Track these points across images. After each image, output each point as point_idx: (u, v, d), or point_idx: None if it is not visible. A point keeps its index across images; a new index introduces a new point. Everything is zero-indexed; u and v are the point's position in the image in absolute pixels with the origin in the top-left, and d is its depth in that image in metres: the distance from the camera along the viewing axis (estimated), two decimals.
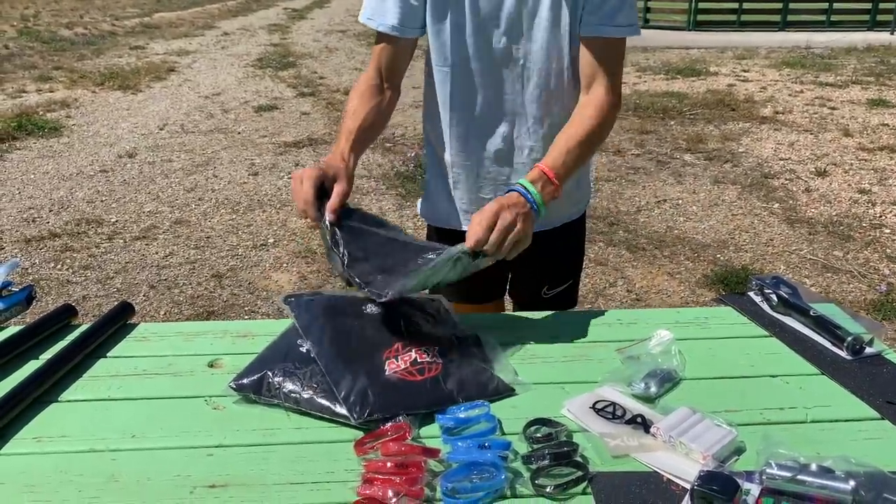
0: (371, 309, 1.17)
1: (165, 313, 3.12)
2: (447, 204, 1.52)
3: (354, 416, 0.98)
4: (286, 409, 1.04)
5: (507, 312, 1.37)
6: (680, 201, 4.47)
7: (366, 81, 1.40)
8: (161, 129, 5.98)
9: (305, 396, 1.02)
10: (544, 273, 1.61)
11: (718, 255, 3.72)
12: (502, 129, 1.41)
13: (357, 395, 1.01)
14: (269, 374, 1.05)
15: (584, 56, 1.33)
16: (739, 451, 0.97)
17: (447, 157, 1.46)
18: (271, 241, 3.84)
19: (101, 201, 4.38)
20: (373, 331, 1.13)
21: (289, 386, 1.04)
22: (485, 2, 1.30)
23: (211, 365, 1.16)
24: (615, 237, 3.92)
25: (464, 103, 1.40)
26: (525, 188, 1.20)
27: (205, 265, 3.57)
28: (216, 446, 0.97)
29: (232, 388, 1.06)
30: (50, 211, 4.21)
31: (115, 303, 1.33)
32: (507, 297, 1.74)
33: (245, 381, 1.06)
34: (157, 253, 3.70)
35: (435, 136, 1.48)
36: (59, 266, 3.53)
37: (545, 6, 1.30)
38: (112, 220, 4.09)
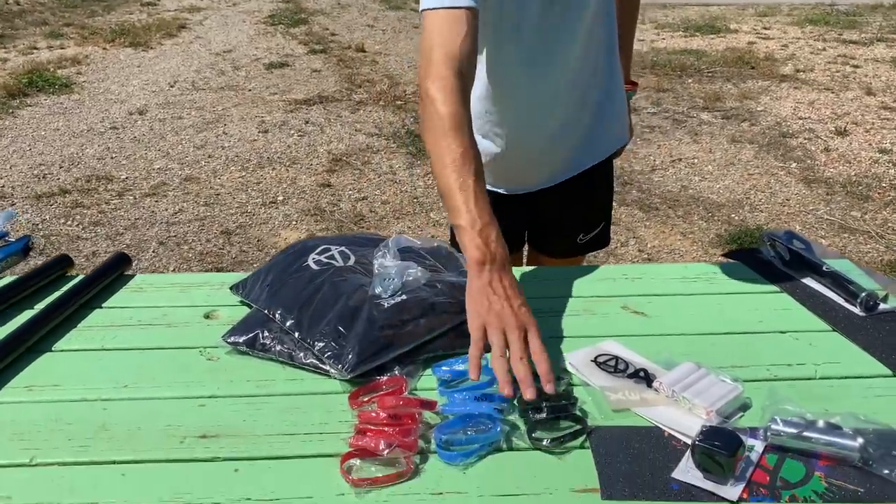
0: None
1: (174, 269, 3.12)
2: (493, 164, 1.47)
3: (338, 370, 0.96)
4: (281, 362, 1.02)
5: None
6: (695, 160, 4.39)
7: (453, 102, 1.07)
8: (172, 87, 5.93)
9: (297, 355, 1.00)
10: (579, 221, 1.58)
11: (733, 215, 3.66)
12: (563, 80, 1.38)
13: (337, 350, 0.98)
14: (261, 333, 1.03)
15: None
16: (745, 407, 0.94)
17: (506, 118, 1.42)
18: (281, 198, 3.81)
19: (112, 158, 4.36)
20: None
21: (279, 346, 1.01)
22: None
23: (207, 316, 1.15)
24: (628, 197, 3.86)
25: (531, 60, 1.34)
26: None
27: (214, 222, 3.56)
28: (209, 397, 0.96)
29: (224, 342, 1.04)
30: (60, 167, 4.21)
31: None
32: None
33: (238, 338, 1.04)
34: (166, 210, 3.68)
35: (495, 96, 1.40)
36: (69, 222, 3.53)
37: None
38: (122, 177, 4.08)
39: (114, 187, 3.95)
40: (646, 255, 3.24)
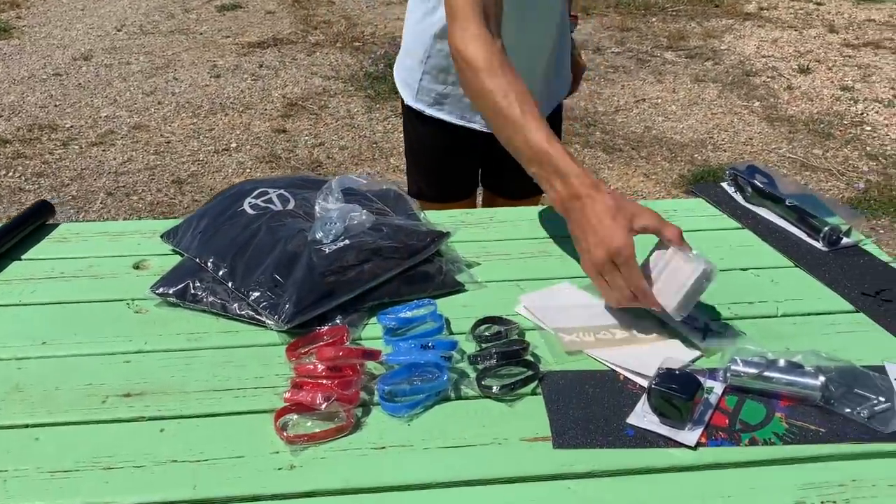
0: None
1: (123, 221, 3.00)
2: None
3: (275, 321, 0.89)
4: (214, 313, 0.95)
5: (461, 209, 1.27)
6: (659, 100, 4.33)
7: (484, 49, 1.01)
8: (119, 31, 5.65)
9: (231, 306, 0.93)
10: None
11: (696, 155, 3.62)
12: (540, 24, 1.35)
13: (273, 300, 0.91)
14: (192, 283, 0.96)
15: None
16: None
17: None
18: (234, 145, 3.67)
19: (55, 106, 4.15)
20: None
21: (212, 297, 0.94)
22: None
23: (136, 266, 1.06)
24: (592, 138, 3.80)
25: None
26: None
27: (165, 171, 3.42)
28: (135, 352, 0.89)
29: (153, 293, 0.97)
30: (0, 116, 4.00)
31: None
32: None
33: (168, 289, 0.96)
34: (114, 159, 3.53)
35: None
36: (10, 174, 3.36)
37: None
38: (67, 126, 3.89)
39: (58, 136, 3.76)
40: None
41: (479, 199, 1.73)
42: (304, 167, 3.44)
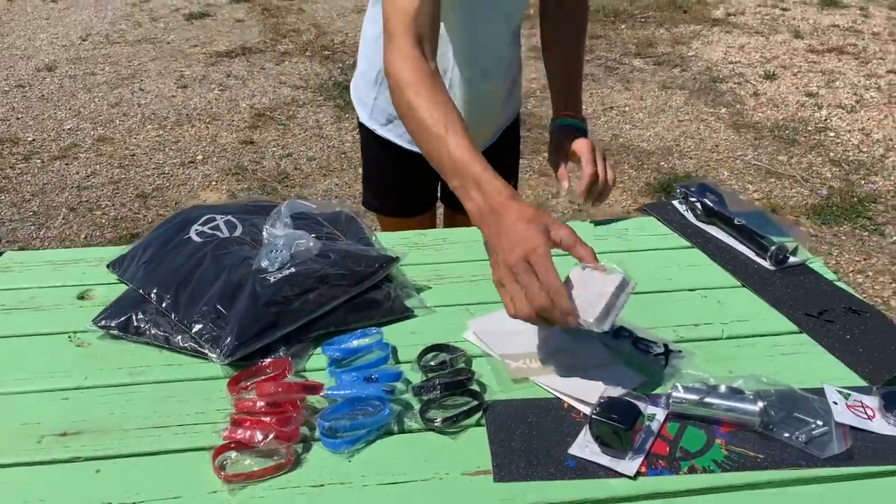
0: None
1: (86, 237, 2.96)
2: None
3: (217, 354, 0.88)
4: (158, 346, 0.93)
5: (414, 231, 1.27)
6: (627, 108, 4.36)
7: (413, 68, 1.01)
8: (84, 40, 5.58)
9: (174, 338, 0.92)
10: None
11: (662, 163, 3.65)
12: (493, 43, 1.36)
13: (215, 332, 0.90)
14: (135, 315, 0.94)
15: None
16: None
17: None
18: (200, 157, 3.64)
19: (17, 118, 4.09)
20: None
21: (155, 329, 0.93)
22: None
23: (81, 297, 1.05)
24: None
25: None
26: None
27: (129, 185, 3.38)
28: (74, 388, 0.87)
29: (95, 326, 0.95)
30: None
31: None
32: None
33: (110, 321, 0.95)
34: (77, 173, 3.48)
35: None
36: None
37: None
38: (29, 139, 3.83)
39: (20, 150, 3.70)
40: (576, 206, 3.21)
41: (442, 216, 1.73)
42: (271, 179, 3.42)
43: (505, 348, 0.93)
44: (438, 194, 1.64)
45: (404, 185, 1.54)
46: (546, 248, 0.82)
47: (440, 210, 1.70)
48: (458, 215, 1.66)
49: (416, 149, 1.43)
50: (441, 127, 0.94)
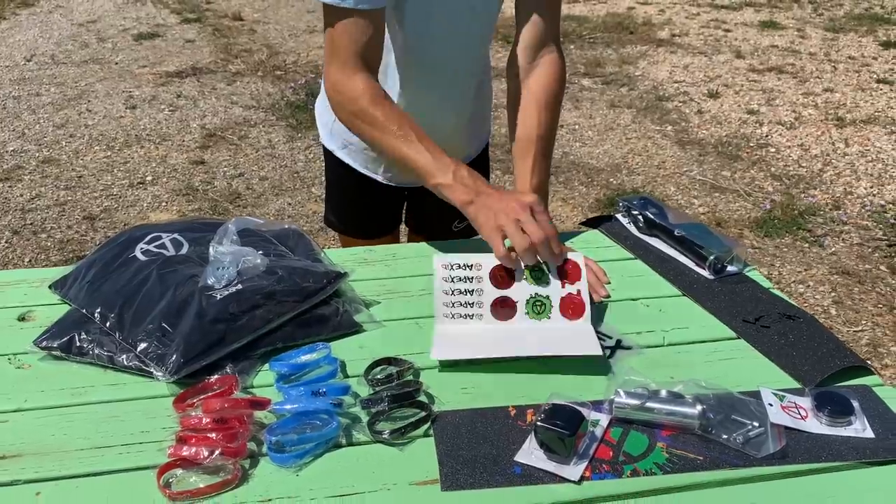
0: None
1: (31, 260, 2.89)
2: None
3: (163, 372, 0.87)
4: (101, 366, 0.92)
5: (362, 247, 1.27)
6: (576, 126, 4.45)
7: (369, 85, 1.06)
8: (28, 61, 5.47)
9: (119, 358, 0.91)
10: (455, 211, 1.53)
11: (611, 179, 3.73)
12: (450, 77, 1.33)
13: (161, 351, 0.89)
14: (77, 335, 0.93)
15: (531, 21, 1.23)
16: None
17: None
18: (149, 178, 3.59)
19: None
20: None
21: (98, 349, 0.92)
22: None
23: (22, 318, 1.03)
24: (512, 165, 3.86)
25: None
26: None
27: (76, 207, 3.31)
28: (13, 411, 0.85)
29: (36, 347, 0.94)
30: None
31: None
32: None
33: (52, 342, 0.93)
34: (21, 195, 3.40)
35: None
36: None
37: None
38: None
39: None
40: None
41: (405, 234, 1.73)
42: (222, 199, 3.38)
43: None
44: (403, 217, 1.63)
45: (364, 207, 1.53)
46: (543, 206, 1.02)
47: (404, 234, 1.70)
48: (418, 237, 1.65)
49: (368, 173, 1.44)
50: (412, 134, 1.04)
